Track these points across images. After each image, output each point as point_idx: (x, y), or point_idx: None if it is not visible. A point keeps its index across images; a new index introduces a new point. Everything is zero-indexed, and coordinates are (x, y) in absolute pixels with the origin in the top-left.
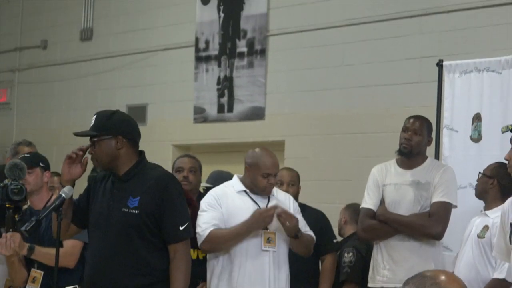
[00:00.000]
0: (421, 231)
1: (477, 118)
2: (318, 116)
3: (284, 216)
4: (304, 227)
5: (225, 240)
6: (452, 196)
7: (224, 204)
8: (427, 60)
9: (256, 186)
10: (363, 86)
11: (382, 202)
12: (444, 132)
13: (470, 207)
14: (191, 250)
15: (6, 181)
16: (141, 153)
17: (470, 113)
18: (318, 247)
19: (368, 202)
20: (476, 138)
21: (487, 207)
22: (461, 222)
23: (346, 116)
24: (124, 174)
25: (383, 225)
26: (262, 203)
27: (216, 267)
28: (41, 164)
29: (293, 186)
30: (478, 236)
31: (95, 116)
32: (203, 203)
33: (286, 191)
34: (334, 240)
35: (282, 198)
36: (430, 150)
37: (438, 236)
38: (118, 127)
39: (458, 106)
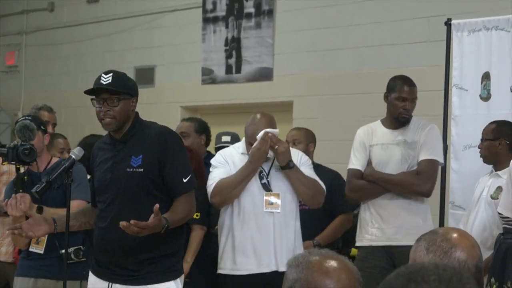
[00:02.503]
0: (411, 189)
1: (486, 77)
2: (326, 76)
3: (274, 140)
4: (311, 176)
5: (233, 186)
6: (438, 154)
7: (231, 162)
8: (435, 19)
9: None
10: (372, 46)
11: (369, 162)
12: (453, 91)
13: (482, 166)
14: None
15: (15, 142)
16: (136, 114)
17: (479, 72)
18: (332, 207)
19: (355, 163)
20: (485, 97)
21: (498, 167)
22: (474, 182)
23: (354, 76)
24: (123, 135)
25: (372, 184)
26: (264, 164)
27: (224, 226)
28: (42, 127)
29: (299, 144)
30: (492, 197)
31: (111, 74)
32: (213, 161)
33: None
34: None
35: None
36: (439, 109)
37: (428, 193)
38: (135, 88)
39: (467, 65)
